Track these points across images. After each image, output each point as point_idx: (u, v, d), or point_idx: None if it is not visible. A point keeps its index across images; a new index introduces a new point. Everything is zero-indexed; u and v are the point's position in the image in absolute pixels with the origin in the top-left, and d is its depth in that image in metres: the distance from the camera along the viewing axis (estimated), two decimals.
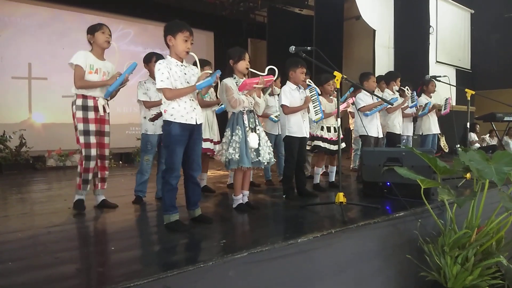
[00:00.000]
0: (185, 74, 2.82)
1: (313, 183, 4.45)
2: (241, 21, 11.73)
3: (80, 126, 3.27)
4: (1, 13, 8.14)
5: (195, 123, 2.81)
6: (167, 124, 2.75)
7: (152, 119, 3.70)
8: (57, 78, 7.89)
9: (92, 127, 3.30)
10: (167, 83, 2.70)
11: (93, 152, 3.31)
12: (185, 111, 2.76)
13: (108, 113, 3.46)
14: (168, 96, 2.72)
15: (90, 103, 3.29)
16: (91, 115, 3.30)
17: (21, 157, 6.46)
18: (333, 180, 4.63)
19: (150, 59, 3.87)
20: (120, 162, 7.56)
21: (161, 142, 3.83)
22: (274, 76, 3.32)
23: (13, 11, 8.27)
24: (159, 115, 3.65)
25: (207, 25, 10.68)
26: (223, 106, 4.10)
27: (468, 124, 4.99)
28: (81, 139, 3.29)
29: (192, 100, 2.85)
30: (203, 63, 4.06)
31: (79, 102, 3.28)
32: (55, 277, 1.91)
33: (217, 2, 11.35)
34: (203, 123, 3.96)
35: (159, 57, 3.79)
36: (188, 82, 2.81)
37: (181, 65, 2.83)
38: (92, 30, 3.38)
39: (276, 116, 4.69)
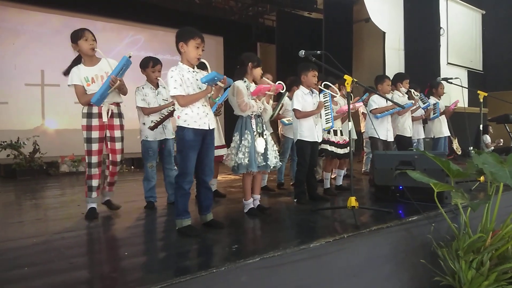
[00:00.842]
0: (196, 80, 2.85)
1: (324, 187, 4.42)
2: (250, 26, 11.80)
3: (84, 134, 3.29)
4: (14, 21, 8.31)
5: (207, 128, 2.84)
6: (180, 129, 2.78)
7: (152, 128, 3.66)
8: None
9: (95, 134, 3.28)
10: (180, 90, 2.73)
11: (94, 159, 3.31)
12: (198, 117, 2.79)
13: (119, 118, 3.41)
14: (181, 103, 2.76)
15: (95, 110, 3.27)
16: (95, 122, 3.28)
17: (35, 163, 6.54)
18: (341, 183, 4.60)
19: (147, 64, 3.78)
20: (132, 167, 7.62)
21: (162, 147, 3.83)
22: (282, 88, 3.36)
23: (26, 20, 8.43)
24: (159, 123, 3.65)
25: (217, 30, 10.75)
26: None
27: (481, 126, 4.94)
28: (85, 146, 3.30)
29: (205, 105, 2.87)
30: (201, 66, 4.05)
31: (85, 109, 3.29)
32: (69, 283, 1.93)
33: (226, 7, 11.44)
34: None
35: (156, 61, 3.79)
36: (200, 88, 2.84)
37: (193, 71, 2.86)
38: (75, 38, 3.24)
39: (288, 120, 4.69)
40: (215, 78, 2.75)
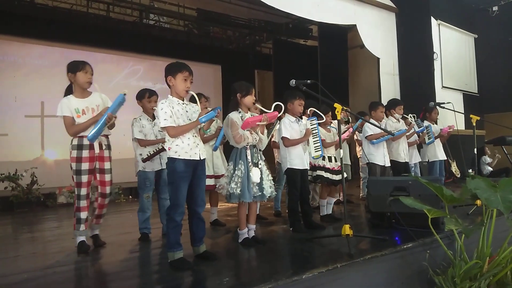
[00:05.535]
0: (186, 111, 2.90)
1: (320, 214, 4.40)
2: (247, 54, 11.98)
3: (73, 165, 3.26)
4: (15, 54, 8.47)
5: (198, 159, 2.86)
6: (171, 161, 2.80)
7: (144, 160, 3.67)
8: None
9: (85, 166, 3.26)
10: (170, 122, 2.77)
11: (84, 191, 3.26)
12: (188, 148, 2.81)
13: (108, 150, 3.41)
14: (172, 133, 2.79)
15: (86, 141, 3.26)
16: (85, 153, 3.26)
17: (32, 195, 6.53)
18: (330, 212, 4.50)
19: (143, 96, 3.84)
20: (130, 196, 7.58)
21: (158, 177, 3.83)
22: (280, 111, 3.36)
23: (26, 52, 8.60)
24: (152, 156, 3.67)
25: (215, 58, 10.92)
26: (217, 144, 4.09)
27: (476, 149, 4.95)
28: (74, 178, 3.28)
29: (195, 136, 2.90)
30: (198, 96, 4.13)
31: (75, 141, 3.28)
32: None
33: (224, 36, 11.67)
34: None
35: (152, 93, 3.86)
36: (190, 119, 2.88)
37: (183, 103, 2.91)
38: (74, 69, 3.29)
39: None
40: (214, 116, 2.81)
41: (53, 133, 8.46)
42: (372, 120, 4.65)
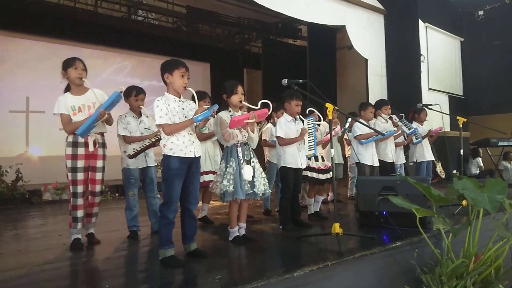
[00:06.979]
0: (183, 109, 2.89)
1: (308, 213, 4.43)
2: (236, 52, 11.96)
3: (69, 163, 3.24)
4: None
5: (193, 156, 2.86)
6: (166, 158, 2.80)
7: (131, 156, 3.64)
8: None
9: (81, 163, 3.25)
10: (166, 119, 2.76)
11: (80, 189, 3.25)
12: (183, 145, 2.81)
13: (103, 148, 3.39)
14: (167, 131, 2.78)
15: (81, 139, 3.25)
16: (81, 151, 3.25)
17: (17, 192, 6.42)
18: (318, 210, 4.54)
19: (130, 93, 3.81)
20: (117, 194, 7.49)
21: (143, 175, 3.81)
22: (268, 110, 3.37)
23: (11, 47, 8.42)
24: (139, 152, 3.64)
25: (204, 56, 10.86)
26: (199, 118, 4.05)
27: (462, 151, 5.02)
28: (69, 176, 3.26)
29: (191, 134, 2.90)
30: (201, 96, 4.11)
31: (70, 138, 3.26)
32: None
33: (213, 34, 11.63)
34: (204, 155, 3.99)
35: (139, 90, 3.83)
36: (186, 117, 2.87)
37: (179, 101, 2.90)
38: (65, 66, 3.28)
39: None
40: (209, 115, 2.78)
41: (38, 129, 8.33)
42: (361, 120, 4.69)
